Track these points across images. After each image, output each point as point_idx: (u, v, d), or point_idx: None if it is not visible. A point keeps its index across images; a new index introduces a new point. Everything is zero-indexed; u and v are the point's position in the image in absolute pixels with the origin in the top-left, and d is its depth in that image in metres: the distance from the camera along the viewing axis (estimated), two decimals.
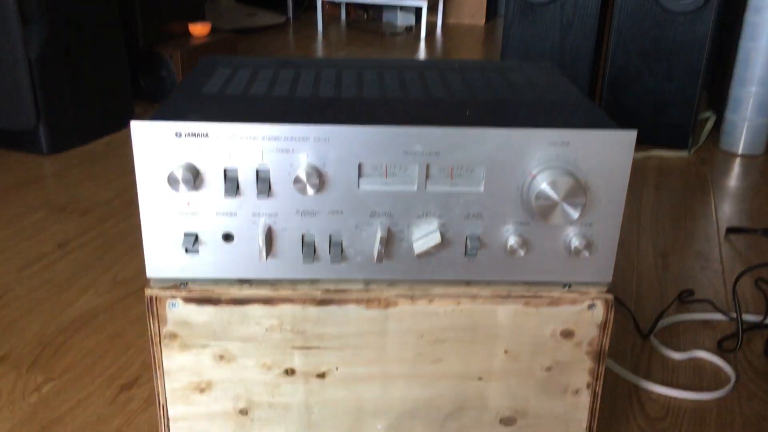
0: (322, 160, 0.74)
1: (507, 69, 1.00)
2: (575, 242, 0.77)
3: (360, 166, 0.75)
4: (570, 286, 0.81)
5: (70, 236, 1.56)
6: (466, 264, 0.79)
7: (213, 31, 2.75)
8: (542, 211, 0.74)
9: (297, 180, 0.73)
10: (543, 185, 0.73)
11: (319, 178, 0.73)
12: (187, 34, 2.66)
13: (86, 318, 1.27)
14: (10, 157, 1.97)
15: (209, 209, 0.76)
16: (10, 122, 1.91)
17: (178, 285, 0.79)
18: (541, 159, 0.75)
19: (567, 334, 0.81)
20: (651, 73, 2.09)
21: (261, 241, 0.76)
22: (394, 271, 0.80)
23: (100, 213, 1.66)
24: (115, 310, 1.30)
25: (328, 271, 0.79)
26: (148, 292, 0.78)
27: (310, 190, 0.73)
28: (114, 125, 2.14)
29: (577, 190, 0.73)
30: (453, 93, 0.88)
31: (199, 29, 2.67)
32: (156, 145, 0.73)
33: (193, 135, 0.73)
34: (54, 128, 1.99)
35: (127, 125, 2.24)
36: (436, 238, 0.76)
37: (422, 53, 3.81)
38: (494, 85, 0.91)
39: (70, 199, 1.72)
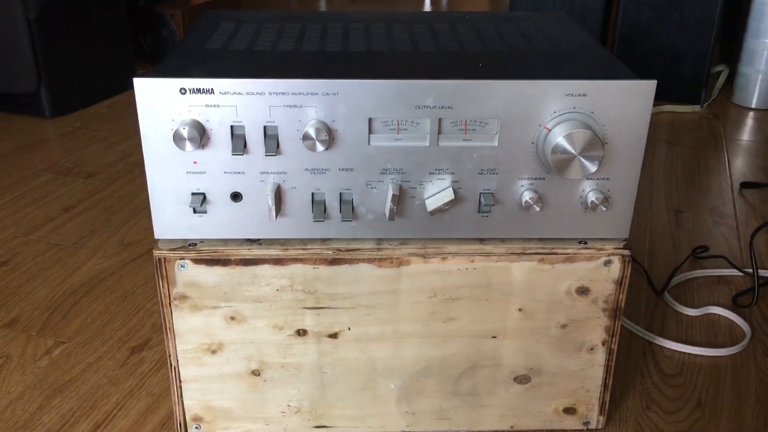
0: (331, 116, 0.72)
1: (519, 20, 0.97)
2: (592, 197, 0.75)
3: (370, 122, 0.73)
4: (586, 243, 0.79)
5: (75, 200, 1.55)
6: (479, 221, 0.78)
7: None
8: (559, 165, 0.72)
9: (306, 136, 0.71)
10: (559, 138, 0.71)
11: (328, 134, 0.71)
12: None
13: (94, 281, 1.26)
14: (12, 121, 1.95)
15: (216, 168, 0.74)
16: (11, 85, 1.89)
17: (187, 246, 0.78)
18: (557, 111, 0.72)
19: (582, 291, 0.80)
20: (663, 25, 2.04)
21: (270, 200, 0.74)
22: (407, 229, 0.78)
23: (105, 176, 1.64)
24: (124, 273, 1.29)
25: (338, 230, 0.78)
26: (156, 253, 0.77)
27: (319, 147, 0.72)
28: (116, 87, 2.12)
29: (595, 143, 0.71)
30: (464, 45, 0.85)
31: None
32: (160, 102, 0.71)
33: (198, 91, 0.71)
34: (56, 91, 1.97)
35: (130, 87, 2.20)
36: (449, 195, 0.75)
37: (428, 7, 3.74)
38: (507, 37, 0.88)
39: (74, 162, 1.71)
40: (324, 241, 0.79)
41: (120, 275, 1.23)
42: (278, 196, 0.75)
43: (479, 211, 0.77)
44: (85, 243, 1.34)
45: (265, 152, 0.73)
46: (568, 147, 0.71)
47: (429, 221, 0.78)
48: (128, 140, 1.80)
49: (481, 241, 0.79)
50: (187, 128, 0.70)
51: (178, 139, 0.70)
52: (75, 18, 1.98)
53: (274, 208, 0.74)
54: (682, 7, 2.02)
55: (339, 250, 0.78)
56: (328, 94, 0.71)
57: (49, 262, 1.25)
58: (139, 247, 1.31)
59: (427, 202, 0.76)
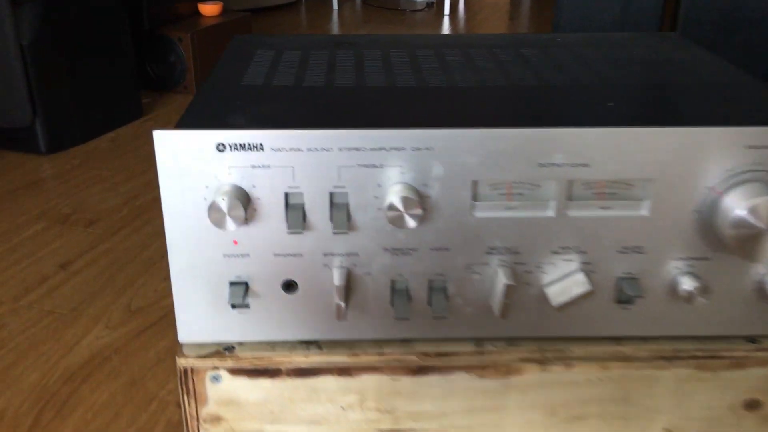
0: (422, 179, 0.53)
1: (627, 43, 0.78)
2: None
3: (475, 186, 0.54)
4: (757, 342, 0.60)
5: (73, 254, 1.34)
6: (616, 315, 0.58)
7: (224, 10, 2.53)
8: (741, 242, 0.53)
9: (391, 207, 0.52)
10: (741, 208, 0.52)
11: (420, 203, 0.52)
12: (197, 14, 2.44)
13: (96, 361, 1.06)
14: (4, 159, 1.76)
15: (264, 249, 0.55)
16: (2, 119, 1.71)
17: (223, 351, 0.58)
18: (733, 169, 0.53)
19: (752, 405, 0.61)
20: (727, 46, 1.87)
21: (337, 292, 0.55)
22: (517, 326, 0.59)
23: (108, 223, 1.44)
24: (131, 349, 1.08)
25: (426, 328, 0.59)
26: (181, 362, 0.58)
27: (409, 222, 0.52)
28: (119, 119, 1.93)
29: None
30: (578, 79, 0.66)
31: (209, 9, 2.45)
32: (189, 162, 0.52)
33: (242, 147, 0.52)
34: (52, 124, 1.78)
35: (135, 118, 2.03)
36: (582, 284, 0.55)
37: (446, 28, 3.58)
38: (627, 67, 0.70)
39: (72, 207, 1.51)
40: (406, 343, 0.60)
41: (127, 352, 1.03)
42: (347, 284, 0.56)
43: (617, 302, 0.58)
44: (85, 309, 1.14)
45: (333, 228, 0.54)
46: (753, 220, 0.52)
47: (546, 316, 0.58)
48: (133, 180, 1.61)
49: (618, 341, 0.60)
50: (227, 199, 0.51)
51: (214, 212, 0.51)
52: (73, 43, 1.80)
53: (341, 300, 0.55)
54: (749, 27, 1.85)
55: (426, 355, 0.59)
56: (419, 149, 0.52)
57: (42, 335, 1.06)
58: (149, 314, 1.11)
59: (549, 291, 0.57)
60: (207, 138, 0.51)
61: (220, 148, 0.52)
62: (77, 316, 1.17)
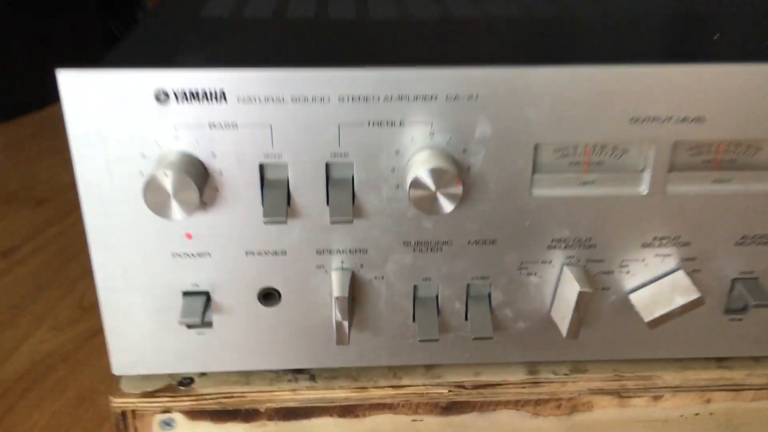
0: (461, 141, 0.37)
1: None
2: None
3: (536, 151, 0.37)
4: None
5: (18, 239, 1.16)
6: (724, 328, 0.43)
7: None
8: None
9: (416, 183, 0.35)
10: None
11: (458, 177, 0.35)
12: None
13: (39, 370, 0.88)
14: None
15: (232, 246, 0.39)
16: None
17: (177, 386, 0.42)
18: None
19: None
20: None
21: (337, 304, 0.38)
22: (587, 347, 0.43)
23: (60, 203, 1.26)
24: (82, 355, 0.91)
25: (462, 351, 0.43)
26: (117, 403, 0.42)
27: (443, 204, 0.36)
28: None
29: None
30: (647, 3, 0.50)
31: None
32: (116, 119, 0.35)
33: (194, 97, 0.35)
34: (2, 89, 1.59)
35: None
36: (688, 290, 0.39)
37: None
38: None
39: (21, 183, 1.33)
40: (431, 370, 0.44)
41: (76, 360, 0.86)
42: (352, 294, 0.39)
43: (726, 312, 0.42)
44: (28, 306, 0.97)
45: (331, 215, 0.37)
46: None
47: (627, 331, 0.42)
48: None
49: (721, 362, 0.44)
50: (172, 173, 0.34)
51: (154, 193, 0.35)
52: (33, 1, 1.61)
53: (343, 317, 0.39)
54: None
55: (461, 386, 0.43)
56: (457, 97, 0.35)
57: None
58: None
59: (637, 300, 0.41)
60: (141, 82, 0.34)
61: (162, 97, 0.35)
62: (18, 314, 0.99)
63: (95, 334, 0.91)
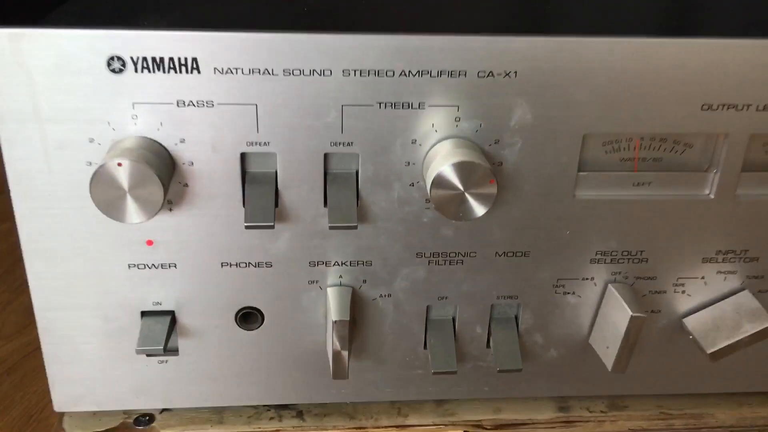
0: (493, 130, 0.30)
1: None
2: None
3: (583, 144, 0.30)
4: None
5: None
6: None
7: None
8: None
9: (439, 182, 0.28)
10: None
11: (491, 173, 0.28)
12: None
13: None
14: None
15: (204, 255, 0.31)
16: None
17: (133, 425, 0.35)
18: None
19: None
20: None
21: (335, 329, 0.31)
22: (624, 381, 0.36)
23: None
24: (30, 368, 0.81)
25: (482, 384, 0.36)
26: None
27: (472, 207, 0.29)
28: None
29: None
30: None
31: None
32: (58, 94, 0.27)
33: (158, 66, 0.27)
34: None
35: None
36: (759, 315, 0.33)
37: None
38: None
39: None
40: (441, 406, 0.37)
41: (23, 372, 0.77)
42: (352, 316, 0.32)
43: None
44: None
45: (330, 220, 0.30)
46: None
47: (672, 362, 0.36)
48: None
49: None
50: (128, 164, 0.27)
51: (104, 189, 0.27)
52: None
53: (346, 348, 0.31)
54: None
55: (478, 426, 0.36)
56: (490, 73, 0.29)
57: None
58: None
59: (694, 326, 0.34)
60: (90, 44, 0.27)
61: (116, 65, 0.27)
62: None
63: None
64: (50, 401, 0.68)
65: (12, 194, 0.29)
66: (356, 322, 0.33)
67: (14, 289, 0.98)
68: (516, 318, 0.34)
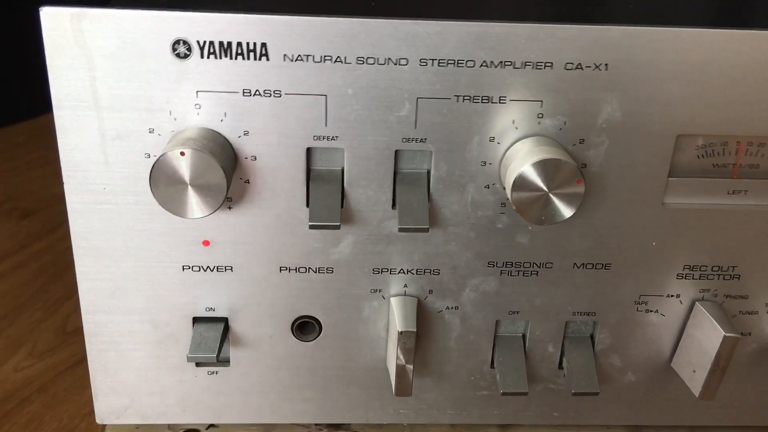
0: (579, 127, 0.28)
1: None
2: None
3: (677, 145, 0.28)
4: None
5: (0, 254, 1.06)
6: None
7: None
8: None
9: (521, 183, 0.26)
10: None
11: (578, 172, 0.26)
12: None
13: (11, 404, 0.77)
14: None
15: (262, 258, 0.29)
16: None
17: None
18: None
19: None
20: None
21: (399, 342, 0.29)
22: (708, 410, 0.33)
23: (48, 215, 1.16)
24: (62, 387, 0.79)
25: (552, 408, 0.33)
26: None
27: (558, 209, 0.27)
28: None
29: None
30: None
31: None
32: (117, 79, 0.26)
33: (225, 51, 0.26)
34: None
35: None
36: None
37: None
38: None
39: (7, 194, 1.24)
40: (505, 431, 0.34)
41: (55, 393, 0.76)
42: (420, 325, 0.30)
43: None
44: (4, 329, 0.87)
45: (400, 222, 0.28)
46: None
47: (761, 390, 0.33)
48: None
49: None
50: (190, 155, 0.25)
51: (166, 182, 0.26)
52: None
53: (411, 362, 0.29)
54: None
55: None
56: (579, 66, 0.27)
57: None
58: None
59: None
60: (155, 27, 0.26)
61: (182, 50, 0.26)
62: None
63: (78, 363, 0.82)
64: (81, 421, 0.66)
65: (65, 187, 0.28)
66: (420, 336, 0.31)
67: (48, 307, 0.98)
68: (592, 337, 0.32)
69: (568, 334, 0.32)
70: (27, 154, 1.45)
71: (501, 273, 0.30)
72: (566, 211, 0.27)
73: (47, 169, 1.38)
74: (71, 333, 0.92)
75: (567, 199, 0.27)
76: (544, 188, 0.26)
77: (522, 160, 0.27)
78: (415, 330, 0.29)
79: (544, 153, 0.26)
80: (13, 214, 1.21)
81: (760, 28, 0.27)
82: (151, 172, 0.25)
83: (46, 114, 1.70)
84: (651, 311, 0.31)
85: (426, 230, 0.28)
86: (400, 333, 0.29)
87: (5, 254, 1.11)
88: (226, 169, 0.26)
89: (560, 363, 0.32)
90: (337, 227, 0.28)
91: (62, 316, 0.95)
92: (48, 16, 0.25)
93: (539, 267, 0.30)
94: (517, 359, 0.32)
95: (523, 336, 0.32)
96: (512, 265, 0.30)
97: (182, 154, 0.25)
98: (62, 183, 0.28)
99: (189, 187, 0.26)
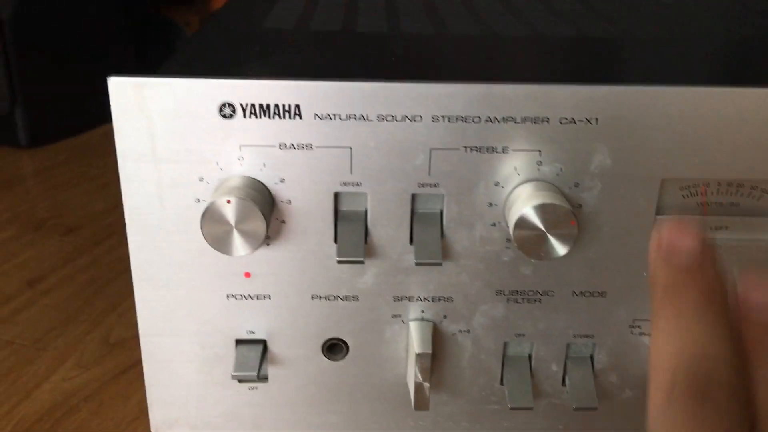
0: (574, 173, 0.31)
1: None
2: None
3: (662, 187, 0.32)
4: None
5: (45, 268, 1.12)
6: None
7: None
8: None
9: (522, 223, 0.30)
10: None
11: (572, 214, 0.30)
12: None
13: (60, 411, 0.82)
14: None
15: (296, 288, 0.34)
16: None
17: None
18: None
19: None
20: None
21: (418, 362, 0.33)
22: None
23: (91, 231, 1.22)
24: (107, 396, 0.84)
25: (552, 420, 0.37)
26: None
27: (554, 247, 0.31)
28: None
29: None
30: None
31: None
32: (173, 136, 0.30)
33: (264, 112, 0.30)
34: (35, 114, 1.57)
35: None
36: None
37: None
38: None
39: (50, 210, 1.30)
40: None
41: (101, 400, 0.81)
42: (433, 349, 0.34)
43: None
44: (52, 341, 0.92)
45: (416, 257, 0.32)
46: None
47: None
48: None
49: None
50: (236, 202, 0.29)
51: (214, 224, 0.30)
52: (62, 20, 1.60)
53: (427, 380, 0.33)
54: None
55: None
56: (572, 121, 0.30)
57: None
58: (133, 350, 0.89)
59: None
60: (204, 92, 0.30)
61: (227, 111, 0.30)
62: (41, 348, 0.93)
63: (122, 372, 0.86)
64: (126, 428, 0.72)
65: (127, 228, 0.32)
66: (436, 356, 0.35)
67: (93, 319, 1.03)
68: (591, 357, 0.36)
69: (570, 355, 0.36)
70: (68, 172, 1.52)
71: (507, 300, 0.34)
72: (561, 249, 0.30)
73: (89, 185, 1.44)
74: (114, 344, 0.97)
75: (562, 238, 0.30)
76: (542, 228, 0.30)
77: (523, 203, 0.31)
78: (430, 352, 0.33)
79: (542, 197, 0.30)
80: (57, 230, 1.27)
81: (736, 85, 0.30)
82: (202, 217, 0.30)
83: (85, 133, 1.77)
84: (644, 334, 0.35)
85: (439, 264, 0.32)
86: (418, 355, 0.33)
87: (52, 269, 1.16)
88: (265, 214, 0.30)
89: (563, 380, 0.36)
90: (362, 262, 0.32)
91: (106, 328, 1.00)
92: (115, 85, 0.30)
93: (542, 295, 0.34)
94: (523, 377, 0.35)
95: (529, 356, 0.36)
96: (517, 293, 0.34)
97: (228, 202, 0.29)
98: (126, 224, 0.33)
99: (234, 229, 0.30)
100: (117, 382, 0.91)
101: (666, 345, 0.22)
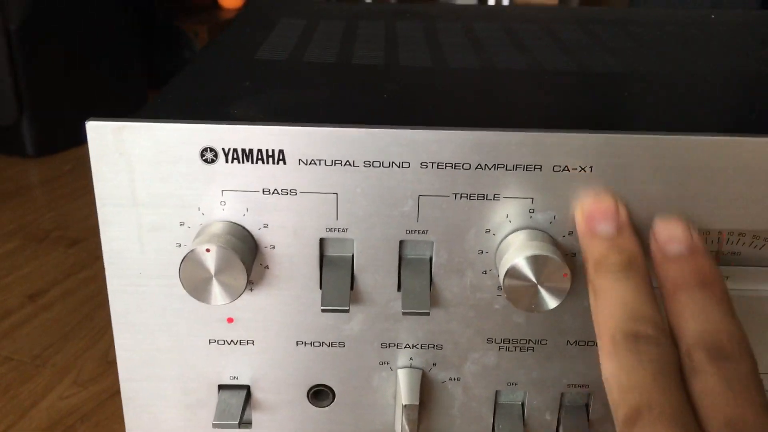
0: (563, 220, 0.30)
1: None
2: None
3: None
4: None
5: (47, 281, 1.12)
6: None
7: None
8: None
9: (513, 273, 0.29)
10: None
11: (565, 267, 0.29)
12: (216, 5, 2.24)
13: (57, 429, 0.82)
14: None
15: (281, 334, 0.33)
16: None
17: None
18: None
19: None
20: None
21: (405, 412, 0.32)
22: None
23: (94, 244, 1.22)
24: (105, 415, 0.85)
25: None
26: None
27: (544, 300, 0.29)
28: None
29: None
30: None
31: (230, 0, 2.25)
32: (153, 181, 0.30)
33: (247, 157, 0.29)
34: (42, 123, 1.58)
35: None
36: None
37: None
38: None
39: (55, 222, 1.30)
40: None
41: (97, 420, 0.81)
42: (421, 398, 0.33)
43: None
44: (51, 357, 0.92)
45: (403, 306, 0.31)
46: None
47: None
48: None
49: None
50: (216, 249, 0.28)
51: (193, 273, 0.29)
52: (70, 30, 1.60)
53: (414, 430, 0.32)
54: None
55: None
56: (565, 168, 0.29)
57: None
58: None
59: None
60: (186, 136, 0.29)
61: (209, 156, 0.29)
62: (40, 365, 0.94)
63: (118, 392, 0.86)
64: None
65: (106, 272, 0.31)
66: (423, 404, 0.34)
67: (92, 336, 1.03)
68: (587, 406, 0.34)
69: (564, 404, 0.35)
70: (74, 182, 1.52)
71: (499, 348, 0.33)
72: (552, 302, 0.29)
73: (92, 197, 1.43)
74: (112, 362, 0.96)
75: (554, 291, 0.29)
76: (534, 280, 0.29)
77: (515, 253, 0.29)
78: (417, 404, 0.32)
79: (535, 248, 0.29)
80: (60, 242, 1.27)
81: (735, 134, 0.29)
82: (180, 265, 0.29)
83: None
84: None
85: (427, 314, 0.31)
86: (405, 406, 0.32)
87: (54, 281, 1.16)
88: (246, 263, 0.29)
89: (557, 430, 0.35)
90: (346, 311, 0.31)
91: (105, 345, 0.99)
92: (93, 128, 0.29)
93: (534, 343, 0.33)
94: (515, 426, 0.34)
95: (522, 404, 0.35)
96: (509, 341, 0.33)
97: (208, 250, 0.29)
98: (105, 267, 0.32)
99: (213, 278, 0.29)
100: (114, 401, 0.90)
101: (603, 310, 0.27)
